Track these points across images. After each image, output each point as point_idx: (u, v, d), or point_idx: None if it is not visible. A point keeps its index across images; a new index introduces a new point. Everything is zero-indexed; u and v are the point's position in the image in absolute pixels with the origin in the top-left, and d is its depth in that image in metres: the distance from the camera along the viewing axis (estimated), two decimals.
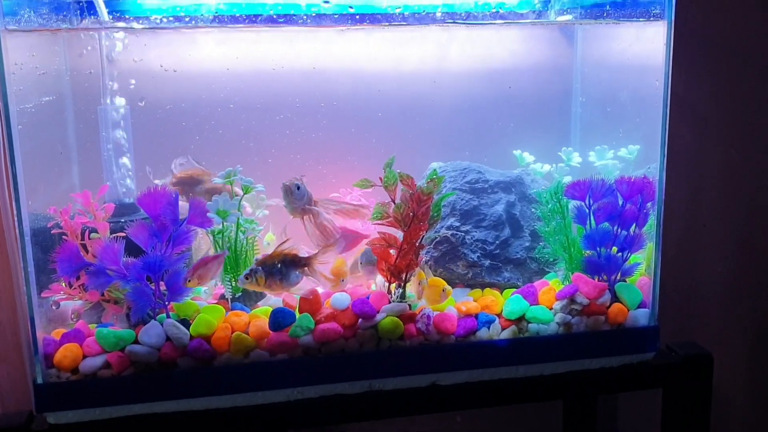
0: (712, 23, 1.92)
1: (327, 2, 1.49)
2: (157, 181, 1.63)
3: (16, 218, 1.33)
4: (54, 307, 1.46)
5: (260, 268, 1.45)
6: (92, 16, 1.54)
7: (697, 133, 1.98)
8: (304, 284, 1.53)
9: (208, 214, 1.46)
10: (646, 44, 1.58)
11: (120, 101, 1.65)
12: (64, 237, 1.44)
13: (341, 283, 1.53)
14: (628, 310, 1.60)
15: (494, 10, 1.70)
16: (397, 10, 1.61)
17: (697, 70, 1.94)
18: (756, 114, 1.98)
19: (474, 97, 1.90)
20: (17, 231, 1.34)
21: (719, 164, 2.01)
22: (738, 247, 2.05)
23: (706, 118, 1.97)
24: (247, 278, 1.46)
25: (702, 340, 1.84)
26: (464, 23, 1.72)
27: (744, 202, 2.03)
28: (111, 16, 1.55)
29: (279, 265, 1.47)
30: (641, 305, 1.61)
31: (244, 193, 1.58)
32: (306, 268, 1.49)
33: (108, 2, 1.53)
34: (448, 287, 1.54)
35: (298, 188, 1.53)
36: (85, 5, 1.51)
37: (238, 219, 1.56)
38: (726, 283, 2.08)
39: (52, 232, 1.44)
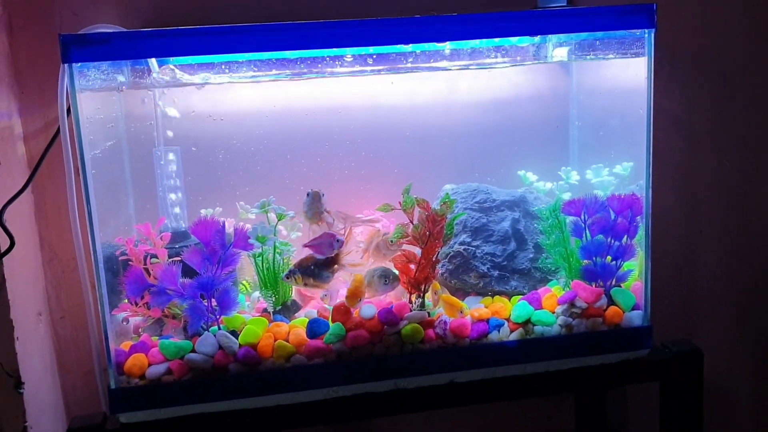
0: (703, 42, 2.00)
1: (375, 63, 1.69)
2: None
3: (91, 249, 1.47)
4: (124, 323, 1.61)
5: (297, 269, 1.62)
6: (143, 66, 1.68)
7: (691, 146, 2.05)
8: (335, 285, 1.67)
9: (249, 240, 1.58)
10: (635, 72, 1.66)
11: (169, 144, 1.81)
12: (129, 262, 1.58)
13: (359, 302, 1.61)
14: (623, 312, 1.67)
15: (497, 47, 1.79)
16: (410, 61, 1.74)
17: (691, 88, 2.01)
18: (745, 127, 2.06)
19: (481, 124, 1.98)
20: (93, 259, 1.48)
21: (713, 174, 2.08)
22: (734, 250, 2.12)
23: (699, 132, 2.04)
24: (287, 278, 1.62)
25: (703, 339, 1.87)
26: (469, 69, 1.84)
27: (738, 209, 2.10)
28: (160, 66, 1.68)
29: (312, 267, 1.62)
30: (635, 308, 1.68)
31: (279, 220, 1.69)
32: (335, 266, 1.63)
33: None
34: (466, 308, 1.65)
35: (324, 195, 1.65)
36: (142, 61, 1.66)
37: (275, 242, 1.68)
38: (725, 285, 2.14)
39: (120, 258, 1.59)
